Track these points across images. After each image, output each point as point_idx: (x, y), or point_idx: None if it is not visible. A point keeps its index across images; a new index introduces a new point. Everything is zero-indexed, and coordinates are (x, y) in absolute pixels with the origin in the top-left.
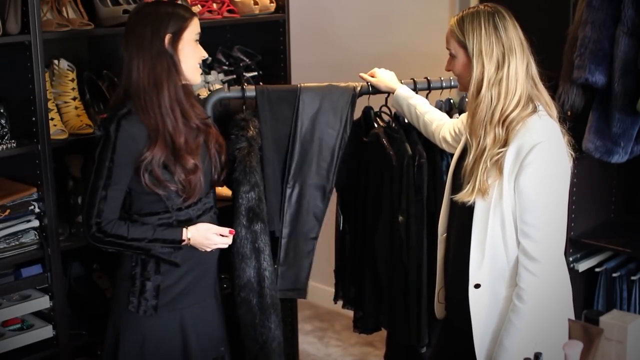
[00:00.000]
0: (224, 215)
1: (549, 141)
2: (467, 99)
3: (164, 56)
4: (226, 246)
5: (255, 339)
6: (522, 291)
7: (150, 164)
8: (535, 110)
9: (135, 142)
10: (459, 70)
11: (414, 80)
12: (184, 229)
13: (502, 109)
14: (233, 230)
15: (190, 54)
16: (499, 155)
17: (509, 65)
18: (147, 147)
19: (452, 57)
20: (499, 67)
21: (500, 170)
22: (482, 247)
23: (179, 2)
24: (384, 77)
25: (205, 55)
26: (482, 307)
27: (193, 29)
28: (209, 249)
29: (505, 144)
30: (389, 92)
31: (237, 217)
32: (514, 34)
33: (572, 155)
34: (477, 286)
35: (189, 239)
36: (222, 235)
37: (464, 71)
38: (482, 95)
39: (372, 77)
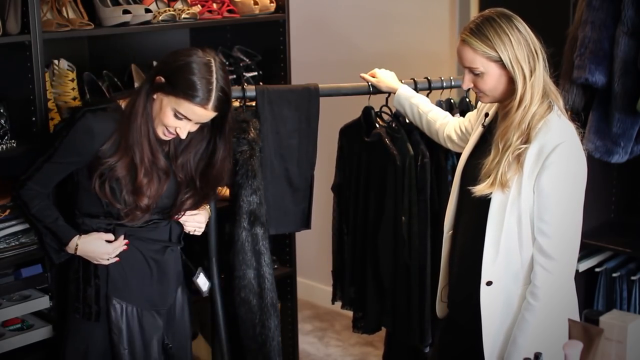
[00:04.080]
0: (221, 217)
1: (570, 141)
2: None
3: (146, 94)
4: (108, 261)
5: (254, 338)
6: (537, 289)
7: (108, 172)
8: (550, 106)
9: (91, 137)
10: (491, 85)
11: (414, 80)
12: (77, 236)
13: (532, 109)
14: (126, 241)
15: (160, 115)
16: (521, 150)
17: (537, 66)
18: (109, 151)
19: (477, 74)
20: (532, 69)
21: (520, 165)
22: (497, 244)
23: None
24: (385, 77)
25: (181, 134)
26: (493, 304)
27: (181, 108)
28: (101, 262)
29: (527, 140)
30: (390, 92)
31: (238, 220)
32: (531, 33)
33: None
34: (489, 283)
35: (77, 247)
36: (109, 242)
37: (498, 84)
38: (525, 101)
39: (373, 77)
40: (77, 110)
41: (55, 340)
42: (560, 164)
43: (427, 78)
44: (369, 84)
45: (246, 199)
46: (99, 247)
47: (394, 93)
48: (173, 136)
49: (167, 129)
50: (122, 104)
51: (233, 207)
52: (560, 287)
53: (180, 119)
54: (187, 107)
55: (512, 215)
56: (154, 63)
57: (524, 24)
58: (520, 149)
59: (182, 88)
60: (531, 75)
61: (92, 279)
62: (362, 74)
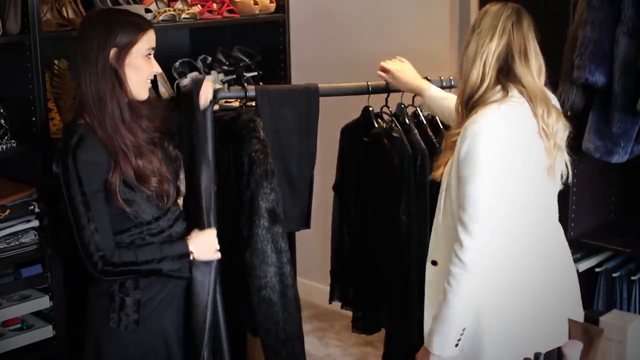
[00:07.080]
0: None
1: (481, 123)
2: None
3: (109, 72)
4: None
5: (277, 336)
6: (450, 277)
7: (119, 183)
8: (506, 96)
9: (98, 167)
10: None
11: None
12: (187, 242)
13: (470, 91)
14: None
15: (137, 71)
16: (454, 138)
17: (467, 46)
18: (111, 169)
19: None
20: (470, 42)
21: (452, 150)
22: (437, 225)
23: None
24: (404, 75)
25: (157, 70)
26: (435, 284)
27: (144, 44)
28: (216, 257)
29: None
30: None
31: (256, 220)
32: (492, 19)
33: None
34: (434, 263)
35: (192, 253)
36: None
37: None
38: (463, 74)
39: (384, 71)
40: (64, 156)
41: (55, 340)
42: (462, 144)
43: (427, 78)
44: (387, 83)
45: (266, 198)
46: (213, 247)
47: (419, 94)
48: (153, 75)
49: (146, 81)
50: (86, 117)
51: (250, 208)
52: (471, 279)
53: (149, 56)
54: (145, 40)
55: (447, 197)
56: None
57: (504, 16)
58: (454, 135)
59: (130, 34)
60: (466, 46)
61: (131, 290)
62: (380, 73)
